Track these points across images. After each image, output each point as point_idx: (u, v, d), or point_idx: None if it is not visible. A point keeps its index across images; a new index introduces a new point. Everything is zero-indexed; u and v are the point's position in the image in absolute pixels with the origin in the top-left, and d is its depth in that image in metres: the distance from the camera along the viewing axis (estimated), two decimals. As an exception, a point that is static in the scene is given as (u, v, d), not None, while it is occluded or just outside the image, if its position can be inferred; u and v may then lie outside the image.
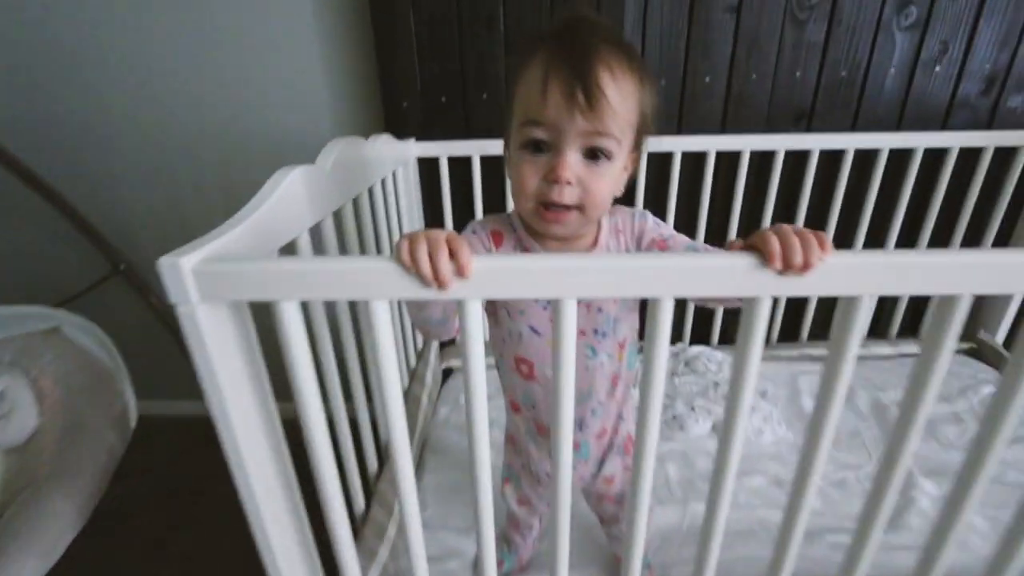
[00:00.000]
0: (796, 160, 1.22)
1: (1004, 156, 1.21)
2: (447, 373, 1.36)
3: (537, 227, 0.57)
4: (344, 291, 0.42)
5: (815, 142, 1.18)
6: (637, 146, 0.57)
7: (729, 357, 1.30)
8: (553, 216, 0.54)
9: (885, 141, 1.18)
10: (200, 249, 0.42)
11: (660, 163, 1.23)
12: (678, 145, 1.19)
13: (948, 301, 0.42)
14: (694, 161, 1.23)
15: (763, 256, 0.39)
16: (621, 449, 0.74)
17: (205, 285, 0.41)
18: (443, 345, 1.38)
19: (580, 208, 0.54)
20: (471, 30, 1.12)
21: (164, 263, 0.40)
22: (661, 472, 1.01)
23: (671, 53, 1.14)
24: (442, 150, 1.19)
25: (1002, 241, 1.30)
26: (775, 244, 0.38)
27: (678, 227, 1.27)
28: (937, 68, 1.15)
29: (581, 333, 0.63)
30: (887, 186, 1.24)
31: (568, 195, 0.52)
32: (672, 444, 1.10)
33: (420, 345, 1.31)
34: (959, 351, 1.35)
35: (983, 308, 1.38)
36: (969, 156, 1.22)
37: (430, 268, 0.39)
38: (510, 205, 1.15)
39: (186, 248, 0.42)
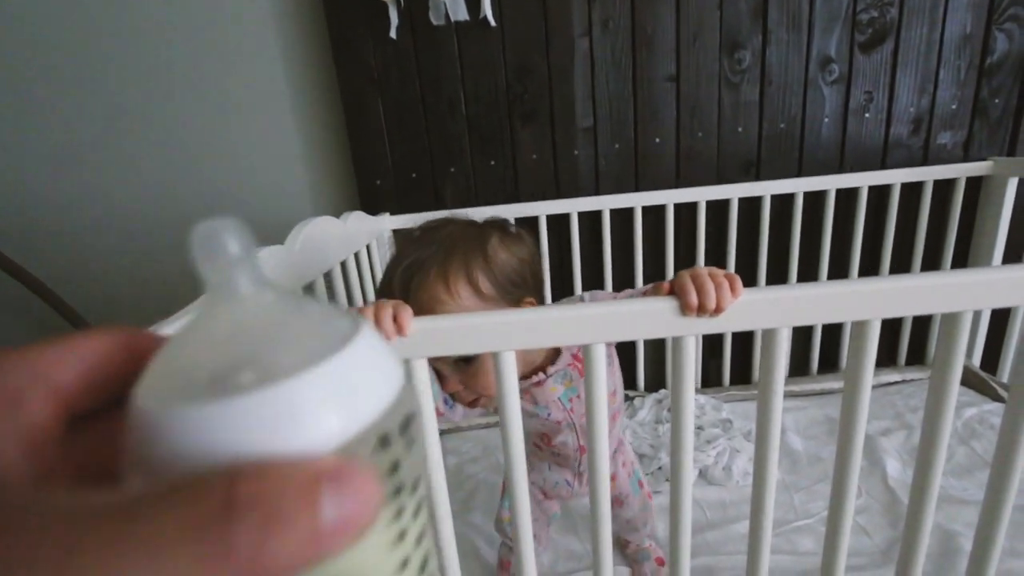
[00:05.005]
0: (750, 206, 1.29)
1: (944, 187, 1.29)
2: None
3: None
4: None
5: (765, 188, 1.26)
6: (528, 288, 0.67)
7: (712, 400, 1.30)
8: (471, 404, 0.65)
9: (831, 183, 1.25)
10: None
11: (623, 218, 1.29)
12: (637, 200, 1.26)
13: (861, 326, 0.45)
14: (655, 214, 1.29)
15: (680, 304, 0.43)
16: (616, 452, 0.81)
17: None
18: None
19: (481, 396, 0.63)
20: (435, 113, 1.21)
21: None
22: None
23: (621, 119, 1.23)
24: (414, 221, 1.24)
25: (960, 266, 1.35)
26: (691, 295, 0.42)
27: (646, 276, 1.32)
28: (867, 115, 1.25)
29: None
30: (840, 224, 1.31)
31: (466, 397, 0.63)
32: (660, 498, 1.08)
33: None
34: (939, 377, 1.36)
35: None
36: (912, 191, 1.29)
37: (372, 319, 0.43)
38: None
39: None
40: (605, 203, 1.25)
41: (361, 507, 0.11)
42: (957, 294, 0.42)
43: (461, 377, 0.61)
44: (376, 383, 0.13)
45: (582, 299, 0.71)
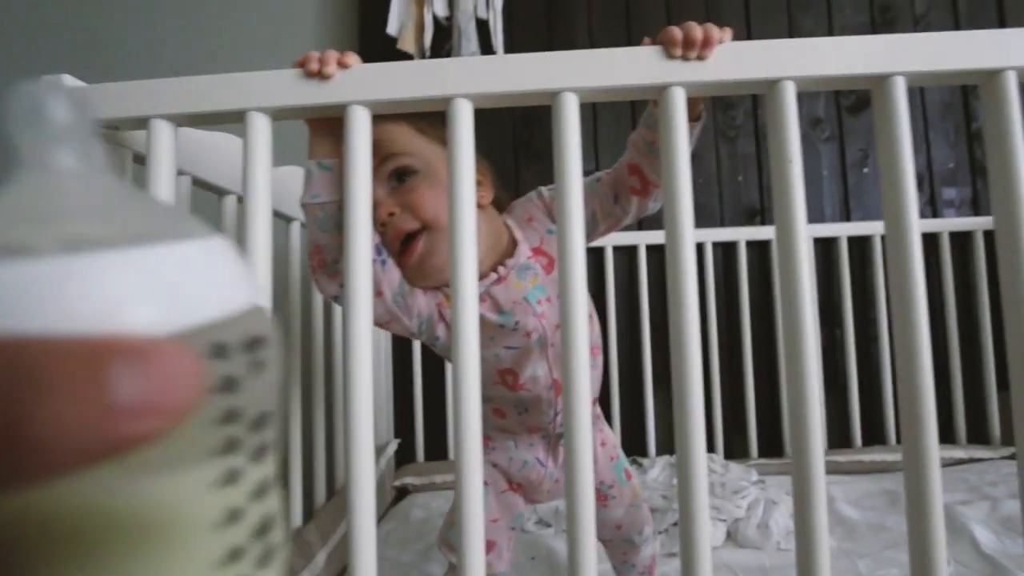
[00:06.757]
0: (759, 253, 1.25)
1: (961, 240, 1.24)
2: (401, 494, 1.12)
3: (415, 280, 0.54)
4: (219, 101, 0.38)
5: (772, 233, 1.22)
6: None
7: (734, 464, 1.08)
8: (406, 251, 0.52)
9: (841, 230, 1.22)
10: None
11: (628, 256, 1.25)
12: (641, 239, 1.23)
13: (883, 84, 0.38)
14: (660, 254, 1.25)
15: (666, 45, 0.38)
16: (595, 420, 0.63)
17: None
18: (399, 463, 1.18)
19: (424, 228, 0.51)
20: (443, 148, 1.28)
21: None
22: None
23: (622, 163, 1.27)
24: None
25: (999, 336, 1.22)
26: (675, 31, 0.38)
27: (651, 317, 1.23)
28: (865, 170, 1.27)
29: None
30: (857, 277, 1.24)
31: (401, 223, 0.51)
32: (674, 562, 0.83)
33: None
34: None
35: None
36: (927, 243, 1.24)
37: (317, 58, 0.38)
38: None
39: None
40: (607, 239, 1.22)
41: (169, 384, 0.10)
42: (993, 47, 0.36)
43: (396, 197, 0.51)
44: (212, 290, 0.12)
45: (538, 192, 0.64)
